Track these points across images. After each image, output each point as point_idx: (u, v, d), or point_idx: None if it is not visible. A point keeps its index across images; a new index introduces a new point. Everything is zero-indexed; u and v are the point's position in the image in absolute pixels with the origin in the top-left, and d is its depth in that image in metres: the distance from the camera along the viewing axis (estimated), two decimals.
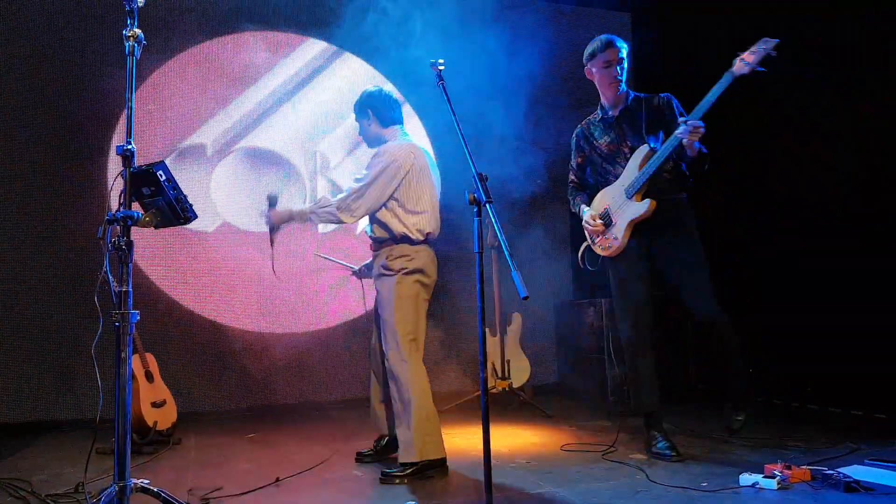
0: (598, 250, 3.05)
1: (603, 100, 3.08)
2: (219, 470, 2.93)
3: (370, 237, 3.01)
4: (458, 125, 2.24)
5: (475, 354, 4.80)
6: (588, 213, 3.06)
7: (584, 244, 3.15)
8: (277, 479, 2.66)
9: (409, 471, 2.67)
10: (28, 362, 4.05)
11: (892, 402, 3.62)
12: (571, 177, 3.24)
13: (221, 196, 4.58)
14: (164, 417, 3.54)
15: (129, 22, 2.00)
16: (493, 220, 2.10)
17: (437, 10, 4.76)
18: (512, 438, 3.45)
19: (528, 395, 4.31)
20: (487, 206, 2.11)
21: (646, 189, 2.87)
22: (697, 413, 3.86)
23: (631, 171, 2.92)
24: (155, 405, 3.51)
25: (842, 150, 3.93)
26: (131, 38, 1.97)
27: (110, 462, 2.97)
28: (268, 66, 4.75)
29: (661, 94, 3.01)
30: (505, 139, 4.82)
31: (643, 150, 2.91)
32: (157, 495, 1.89)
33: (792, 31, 4.19)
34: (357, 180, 2.88)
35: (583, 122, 3.20)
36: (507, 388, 4.23)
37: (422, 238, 2.88)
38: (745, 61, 2.62)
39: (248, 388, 4.51)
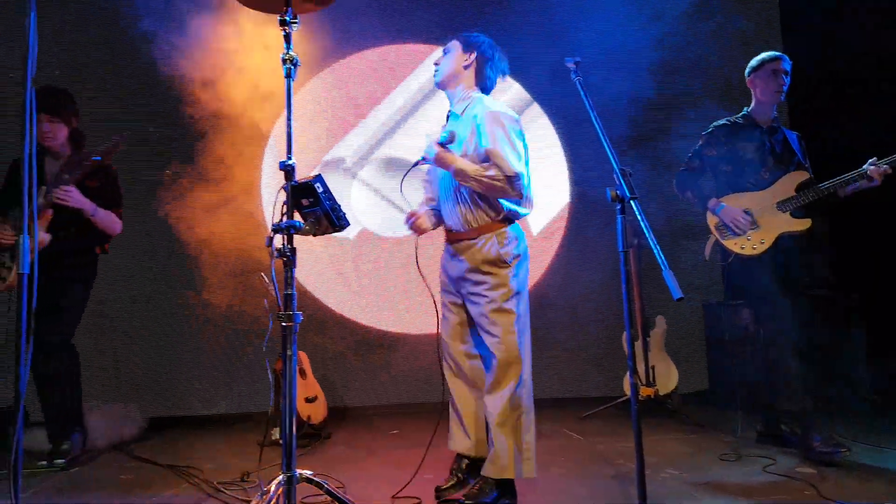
0: (735, 247, 3.10)
1: (755, 107, 3.27)
2: (365, 463, 3.07)
3: (455, 222, 2.51)
4: (596, 121, 2.18)
5: (614, 358, 4.66)
6: (733, 210, 3.12)
7: (712, 238, 3.20)
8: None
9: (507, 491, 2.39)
10: (199, 361, 4.49)
11: None
12: (692, 163, 3.30)
13: (360, 204, 4.81)
14: (316, 412, 3.76)
15: (285, 45, 2.14)
16: (639, 217, 2.01)
17: (567, 9, 4.72)
18: (661, 447, 3.29)
19: (676, 402, 4.10)
20: (632, 202, 2.03)
21: (797, 208, 3.08)
22: (868, 422, 3.49)
23: (784, 188, 3.10)
24: (308, 400, 3.75)
25: None
26: (288, 61, 2.12)
27: (271, 453, 3.23)
28: (401, 77, 4.92)
29: (793, 131, 3.31)
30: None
31: (803, 174, 3.12)
32: (319, 485, 2.01)
33: None
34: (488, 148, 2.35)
35: (726, 120, 3.31)
36: (652, 396, 4.05)
37: (527, 211, 2.51)
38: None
39: (391, 386, 4.69)
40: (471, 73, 2.49)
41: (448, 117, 2.61)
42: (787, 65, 3.20)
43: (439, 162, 2.39)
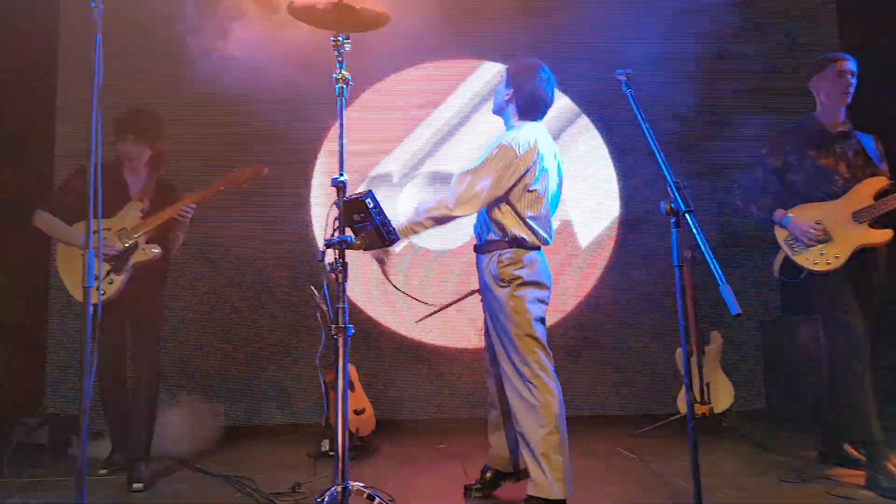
0: (807, 263, 2.89)
1: (821, 111, 3.06)
2: (414, 477, 3.07)
3: (476, 237, 2.68)
4: (649, 133, 2.15)
5: (666, 375, 4.55)
6: (802, 221, 2.91)
7: (781, 253, 3.00)
8: None
9: None
10: (249, 373, 4.58)
11: None
12: (755, 173, 3.11)
13: (407, 219, 4.83)
14: (364, 425, 3.79)
15: (337, 65, 2.19)
16: (694, 230, 1.97)
17: (616, 20, 4.68)
18: (717, 467, 3.19)
19: (731, 421, 3.97)
20: (687, 215, 1.99)
21: (875, 219, 2.84)
22: None
23: (860, 196, 2.86)
24: (356, 413, 3.78)
25: None
26: (340, 81, 2.17)
27: (321, 464, 3.26)
28: (446, 93, 4.96)
29: (868, 134, 3.05)
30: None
31: (881, 180, 2.87)
32: (371, 498, 2.02)
33: None
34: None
35: (790, 125, 3.12)
36: (707, 414, 3.94)
37: (538, 243, 2.55)
38: None
39: (439, 399, 4.68)
40: (512, 105, 2.60)
41: None
42: (852, 65, 2.99)
43: (383, 252, 2.51)
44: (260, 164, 3.21)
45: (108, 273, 3.00)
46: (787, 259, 2.97)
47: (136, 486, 2.91)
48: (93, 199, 1.88)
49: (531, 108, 2.59)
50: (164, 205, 3.13)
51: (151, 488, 2.95)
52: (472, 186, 2.42)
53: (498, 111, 2.70)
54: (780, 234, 2.97)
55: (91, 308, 1.88)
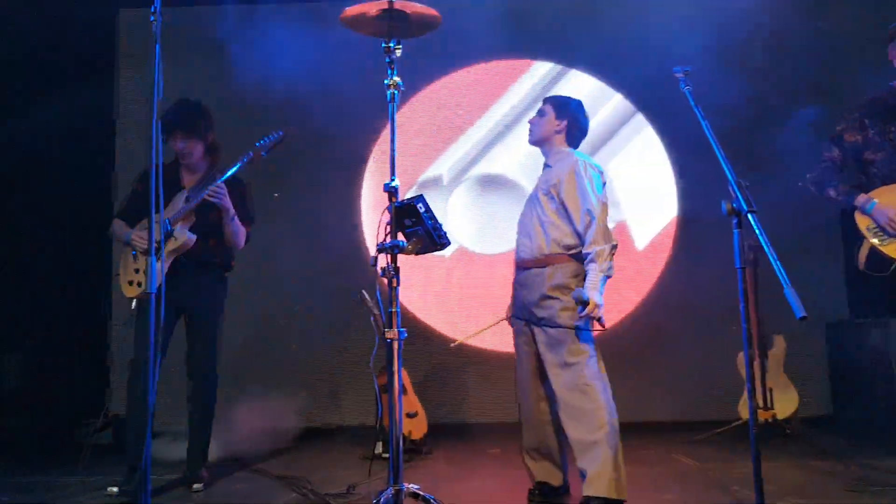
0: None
1: None
2: (468, 482, 3.06)
3: (530, 250, 2.64)
4: (708, 130, 2.09)
5: (726, 380, 4.40)
6: (890, 208, 2.61)
7: (868, 244, 2.68)
8: None
9: None
10: (302, 375, 4.66)
11: None
12: (831, 154, 2.86)
13: (456, 222, 4.84)
14: (416, 428, 3.80)
15: (389, 71, 2.20)
16: (757, 231, 1.89)
17: (670, 14, 4.56)
18: (780, 475, 3.05)
19: (796, 428, 3.82)
20: (750, 216, 1.92)
21: None
22: None
23: None
24: (408, 416, 3.79)
25: None
26: (392, 86, 2.18)
27: (375, 466, 3.28)
28: (496, 94, 4.94)
29: None
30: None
31: None
32: (427, 501, 2.02)
33: None
34: (585, 207, 2.55)
35: (867, 99, 2.83)
36: (770, 420, 3.79)
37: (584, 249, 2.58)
38: None
39: (490, 403, 4.66)
40: (561, 137, 2.74)
41: (543, 168, 2.82)
42: None
43: (593, 310, 2.42)
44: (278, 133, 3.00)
45: (146, 266, 2.86)
46: (873, 250, 2.67)
47: (195, 486, 2.98)
48: (153, 212, 1.92)
49: (579, 136, 2.79)
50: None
51: (210, 489, 3.02)
52: (599, 215, 2.52)
53: (542, 140, 2.77)
54: (863, 222, 2.69)
55: (154, 314, 1.92)
